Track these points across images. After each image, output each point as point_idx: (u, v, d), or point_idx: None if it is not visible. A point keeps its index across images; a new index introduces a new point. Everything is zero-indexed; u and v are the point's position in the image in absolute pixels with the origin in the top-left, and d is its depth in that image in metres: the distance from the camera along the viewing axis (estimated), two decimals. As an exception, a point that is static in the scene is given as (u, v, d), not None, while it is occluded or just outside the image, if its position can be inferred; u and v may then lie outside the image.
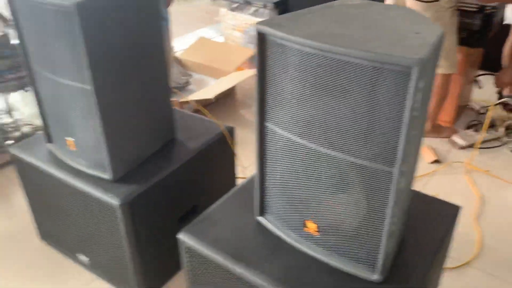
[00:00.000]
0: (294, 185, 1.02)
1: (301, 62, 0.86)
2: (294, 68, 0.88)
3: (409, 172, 0.93)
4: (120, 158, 1.34)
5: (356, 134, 0.85)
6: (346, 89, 0.82)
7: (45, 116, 1.45)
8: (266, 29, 0.89)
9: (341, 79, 0.81)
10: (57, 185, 1.43)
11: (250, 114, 2.73)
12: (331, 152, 0.90)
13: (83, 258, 1.57)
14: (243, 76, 2.76)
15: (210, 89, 2.68)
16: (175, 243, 1.53)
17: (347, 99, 0.83)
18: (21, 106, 2.39)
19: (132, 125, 1.35)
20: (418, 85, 0.74)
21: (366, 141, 0.85)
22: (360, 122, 0.83)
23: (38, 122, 2.32)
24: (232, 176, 1.74)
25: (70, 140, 1.38)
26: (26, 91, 2.17)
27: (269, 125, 1.01)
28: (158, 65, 1.39)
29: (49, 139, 1.49)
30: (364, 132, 0.84)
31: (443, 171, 2.14)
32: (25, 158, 1.48)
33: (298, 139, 0.95)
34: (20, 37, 1.32)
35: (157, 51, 1.37)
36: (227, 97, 2.90)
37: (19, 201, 1.97)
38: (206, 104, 2.65)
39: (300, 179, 1.00)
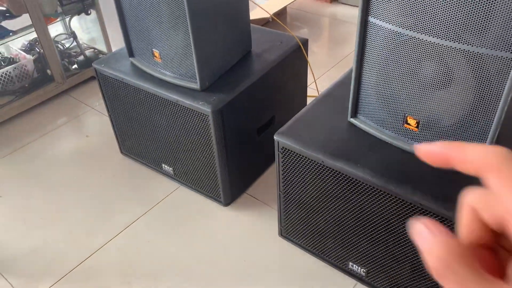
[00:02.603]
0: (395, 81, 1.03)
1: None
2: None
3: (524, 60, 0.92)
4: (207, 69, 1.37)
5: (474, 21, 0.84)
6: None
7: (127, 30, 1.47)
8: None
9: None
10: (144, 97, 1.49)
11: (301, 36, 2.69)
12: (443, 42, 0.90)
13: (167, 168, 1.66)
14: (295, -5, 2.69)
15: (264, 8, 2.63)
16: (254, 153, 1.60)
17: (470, -17, 0.81)
18: (81, 31, 2.43)
19: (217, 36, 1.37)
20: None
21: (486, 28, 0.84)
22: (481, 6, 0.82)
23: (99, 46, 2.37)
24: (304, 90, 1.76)
25: (155, 51, 1.41)
26: (89, 14, 2.18)
27: (372, 19, 1.01)
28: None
29: (131, 53, 1.52)
30: (484, 18, 0.83)
31: None
32: (110, 72, 1.53)
33: (405, 31, 0.95)
34: None
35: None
36: (277, 19, 2.85)
37: (93, 120, 2.07)
38: (261, 24, 2.62)
39: (402, 75, 1.01)
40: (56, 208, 1.64)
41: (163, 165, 1.67)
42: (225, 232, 1.51)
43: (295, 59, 1.61)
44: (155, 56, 1.42)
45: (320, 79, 2.25)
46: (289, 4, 2.68)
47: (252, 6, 2.87)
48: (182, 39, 1.31)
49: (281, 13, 2.88)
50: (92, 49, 2.37)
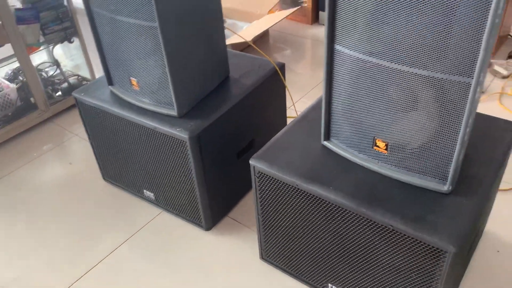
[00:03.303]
0: (363, 105, 1.06)
1: (378, -21, 0.87)
2: (368, -13, 0.90)
3: (482, 83, 0.96)
4: (184, 95, 1.39)
5: (432, 47, 0.88)
6: (424, 1, 0.84)
7: (106, 59, 1.50)
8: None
9: (420, -8, 0.83)
10: (123, 124, 1.50)
11: (283, 58, 2.74)
12: (404, 68, 0.94)
13: (148, 193, 1.67)
14: (276, 19, 2.74)
15: (245, 32, 2.69)
16: (234, 177, 1.61)
17: (423, 11, 0.85)
18: (65, 59, 2.45)
19: (194, 63, 1.39)
20: (503, -10, 0.76)
21: (444, 53, 0.87)
22: (438, 34, 0.86)
23: (82, 73, 2.40)
24: (283, 112, 1.79)
25: (133, 80, 1.43)
26: (72, 42, 2.21)
27: (338, 47, 1.04)
28: (215, 3, 1.41)
29: (111, 81, 1.55)
30: (442, 44, 0.87)
31: (488, 100, 2.15)
32: (90, 101, 1.55)
33: (369, 58, 0.98)
34: (79, -20, 1.35)
35: (212, -13, 1.39)
36: (259, 42, 2.90)
37: (76, 147, 2.08)
38: (242, 48, 2.67)
39: (369, 99, 1.04)
40: (39, 237, 1.63)
41: (144, 191, 1.68)
42: (207, 257, 1.51)
43: (273, 83, 1.64)
44: (133, 84, 1.45)
45: (303, 99, 2.29)
46: (271, 27, 2.73)
47: (235, 27, 2.93)
48: (158, 67, 1.34)
49: (264, 35, 2.94)
50: (76, 76, 2.40)
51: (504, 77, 2.28)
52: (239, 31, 2.83)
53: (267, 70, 1.62)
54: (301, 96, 2.32)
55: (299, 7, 3.02)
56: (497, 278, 1.37)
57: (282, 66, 1.66)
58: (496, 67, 2.32)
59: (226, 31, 2.87)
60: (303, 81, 2.47)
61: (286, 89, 1.74)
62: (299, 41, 2.92)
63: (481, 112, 1.93)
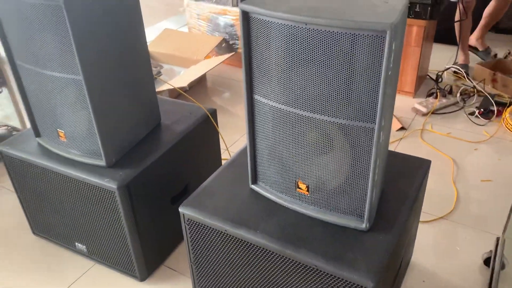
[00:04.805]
0: (283, 150, 1.12)
1: (284, 35, 0.95)
2: (277, 42, 0.97)
3: (387, 128, 1.05)
4: (112, 145, 1.39)
5: (337, 97, 0.95)
6: (328, 57, 0.92)
7: (31, 111, 1.48)
8: (250, 8, 0.98)
9: (322, 48, 0.91)
10: (51, 177, 1.47)
11: (222, 100, 2.81)
12: (316, 116, 1.01)
13: (80, 246, 1.62)
14: (213, 64, 2.83)
15: (182, 77, 2.74)
16: (169, 223, 1.61)
17: (328, 65, 0.93)
18: (-7, 108, 2.38)
19: (121, 112, 1.41)
20: (391, 46, 0.85)
21: (347, 102, 0.95)
22: (341, 85, 0.94)
23: (13, 123, 2.33)
24: (218, 156, 1.82)
25: (60, 131, 1.42)
26: (0, 91, 2.16)
27: (257, 97, 1.10)
28: (142, 53, 1.45)
29: (38, 133, 1.52)
30: (345, 94, 0.94)
31: (410, 137, 2.30)
32: (16, 154, 1.51)
33: (284, 107, 1.04)
34: (2, 33, 1.35)
35: (140, 40, 1.43)
36: (197, 86, 2.96)
37: (3, 200, 1.99)
38: (178, 93, 2.71)
39: (289, 144, 1.10)
40: (-42, 301, 1.53)
41: (76, 243, 1.63)
42: (142, 308, 1.47)
43: (205, 129, 1.68)
44: (61, 136, 1.43)
45: (240, 140, 2.34)
46: (207, 71, 2.80)
47: (172, 73, 2.98)
48: (84, 118, 1.34)
49: (202, 79, 3.01)
50: (6, 127, 2.32)
51: (424, 114, 2.46)
52: (176, 76, 2.88)
53: (199, 116, 1.66)
54: (239, 136, 2.38)
55: (234, 53, 3.13)
56: (424, 308, 1.43)
57: (213, 112, 1.71)
58: (417, 105, 2.50)
59: (163, 77, 2.93)
60: (240, 122, 2.53)
61: (219, 134, 1.78)
62: (236, 84, 3.01)
63: (404, 147, 2.07)
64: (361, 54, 0.88)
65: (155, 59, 3.12)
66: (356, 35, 0.86)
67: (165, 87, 2.57)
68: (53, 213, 1.60)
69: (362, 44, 0.87)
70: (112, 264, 1.58)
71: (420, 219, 1.70)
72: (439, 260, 1.59)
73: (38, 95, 1.40)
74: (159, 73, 2.91)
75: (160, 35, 3.29)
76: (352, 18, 0.86)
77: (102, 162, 1.39)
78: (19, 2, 1.21)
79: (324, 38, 0.90)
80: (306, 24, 0.91)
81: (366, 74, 0.90)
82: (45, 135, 1.50)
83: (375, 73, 0.89)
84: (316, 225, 1.14)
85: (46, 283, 1.57)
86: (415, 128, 2.37)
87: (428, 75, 2.87)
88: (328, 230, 1.12)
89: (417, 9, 2.42)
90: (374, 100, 0.93)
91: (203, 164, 1.73)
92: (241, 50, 0.99)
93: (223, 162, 1.90)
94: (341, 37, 0.88)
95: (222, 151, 1.90)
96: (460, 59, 2.97)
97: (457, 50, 2.94)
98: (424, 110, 2.46)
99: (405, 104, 2.58)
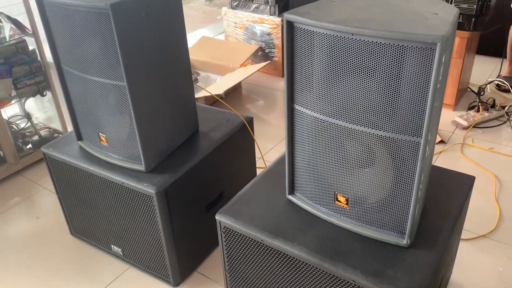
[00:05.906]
0: (323, 162, 1.10)
1: (329, 46, 0.94)
2: (322, 52, 0.96)
3: (432, 142, 1.02)
4: (152, 150, 1.41)
5: (383, 109, 0.93)
6: (374, 68, 0.90)
7: (75, 115, 1.52)
8: (295, 18, 0.97)
9: (369, 59, 0.90)
10: (91, 179, 1.50)
11: (256, 108, 2.82)
12: (359, 127, 0.99)
13: (116, 249, 1.64)
14: (248, 72, 2.84)
15: (218, 85, 2.76)
16: (203, 229, 1.61)
17: (374, 77, 0.91)
18: (37, 111, 2.46)
19: (162, 118, 1.43)
20: (441, 59, 0.82)
21: (393, 114, 0.93)
22: (387, 98, 0.92)
23: (54, 125, 2.40)
24: (253, 164, 1.82)
25: (102, 135, 1.45)
26: (44, 95, 2.23)
27: (297, 107, 1.09)
28: (183, 59, 1.47)
29: (80, 137, 1.56)
30: (391, 106, 0.92)
31: (449, 151, 2.24)
32: (59, 156, 1.55)
33: (325, 118, 1.03)
34: (50, 39, 1.39)
35: (182, 47, 1.45)
36: (233, 93, 2.98)
37: (44, 201, 2.04)
38: (214, 100, 2.74)
39: (329, 156, 1.08)
40: (-1, 297, 1.58)
41: (112, 246, 1.65)
42: (174, 313, 1.48)
43: (241, 137, 1.68)
44: (102, 140, 1.46)
45: (274, 148, 2.33)
46: (243, 79, 2.81)
47: (209, 81, 3.01)
48: (126, 124, 1.36)
49: (237, 87, 3.02)
50: (48, 129, 2.40)
51: (465, 128, 2.39)
52: (212, 84, 2.91)
53: (236, 124, 1.66)
54: (273, 145, 2.37)
55: (270, 61, 3.13)
56: (464, 330, 1.38)
57: (250, 120, 1.71)
58: (457, 119, 2.43)
59: (200, 84, 2.96)
60: (274, 131, 2.53)
61: (255, 142, 1.78)
62: (271, 93, 3.00)
63: (444, 161, 2.01)
64: (409, 66, 0.86)
65: (192, 66, 3.16)
66: (405, 47, 0.84)
67: (202, 94, 2.60)
68: (91, 215, 1.63)
69: (411, 56, 0.85)
70: (147, 268, 1.60)
71: (461, 237, 1.64)
72: (479, 280, 1.53)
73: (82, 99, 1.44)
74: (196, 80, 2.95)
75: (198, 43, 3.34)
76: (400, 29, 0.84)
77: (142, 167, 1.41)
78: (67, 9, 1.25)
79: (371, 49, 0.88)
80: (352, 35, 0.89)
81: (413, 87, 0.88)
82: (87, 138, 1.54)
83: (423, 85, 0.87)
84: (355, 239, 1.11)
85: (81, 284, 1.60)
86: (455, 142, 2.30)
87: (469, 88, 2.78)
88: (367, 245, 1.09)
89: (461, 20, 2.35)
90: (421, 113, 0.90)
91: (238, 172, 1.73)
92: (283, 59, 0.98)
93: (258, 170, 1.90)
94: (389, 49, 0.86)
95: (256, 159, 1.90)
96: (505, 71, 2.87)
97: (501, 62, 2.85)
98: (465, 123, 2.39)
99: (445, 117, 2.51)
